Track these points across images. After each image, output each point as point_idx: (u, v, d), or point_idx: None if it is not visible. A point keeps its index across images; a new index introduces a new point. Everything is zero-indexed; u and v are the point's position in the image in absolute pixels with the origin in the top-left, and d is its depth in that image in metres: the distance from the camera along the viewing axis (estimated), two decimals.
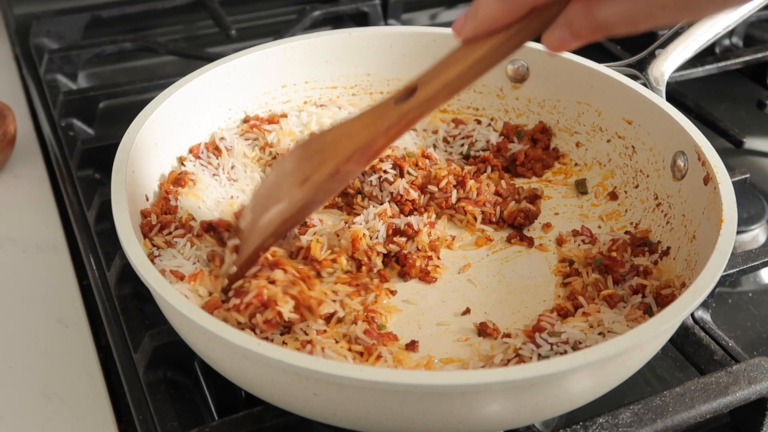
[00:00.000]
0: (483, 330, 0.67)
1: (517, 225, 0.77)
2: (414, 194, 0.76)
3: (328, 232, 0.71)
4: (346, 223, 0.73)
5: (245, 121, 0.83)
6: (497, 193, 0.78)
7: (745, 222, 0.82)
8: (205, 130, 0.80)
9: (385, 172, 0.77)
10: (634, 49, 0.85)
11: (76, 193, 0.82)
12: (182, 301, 0.55)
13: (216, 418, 0.63)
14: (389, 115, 0.59)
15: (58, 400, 0.65)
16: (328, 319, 0.63)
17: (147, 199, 0.71)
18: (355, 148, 0.60)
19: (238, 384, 0.59)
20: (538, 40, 0.86)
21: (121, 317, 0.68)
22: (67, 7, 1.09)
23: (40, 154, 0.93)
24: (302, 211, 0.63)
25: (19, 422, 0.64)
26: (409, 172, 0.77)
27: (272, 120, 0.83)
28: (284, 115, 0.84)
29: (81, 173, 0.84)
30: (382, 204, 0.76)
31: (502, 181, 0.80)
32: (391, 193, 0.76)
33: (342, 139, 0.62)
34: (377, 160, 0.78)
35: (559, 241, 0.76)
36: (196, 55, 1.01)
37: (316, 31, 0.87)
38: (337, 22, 1.13)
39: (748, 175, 0.81)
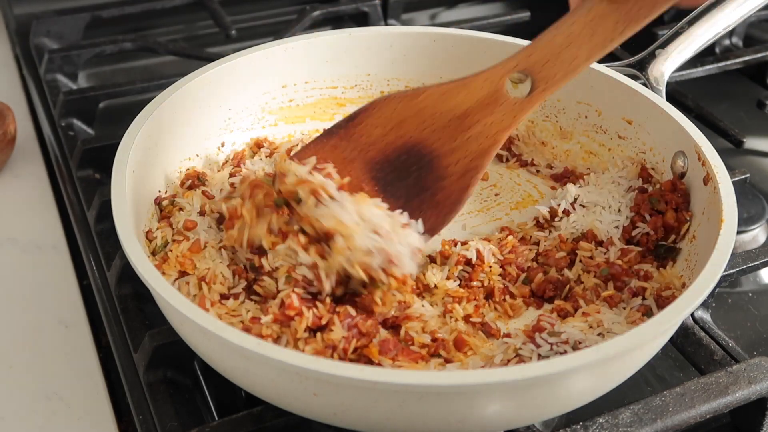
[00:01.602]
0: (485, 330, 0.66)
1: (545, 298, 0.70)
2: None
3: None
4: None
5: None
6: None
7: (745, 222, 0.82)
8: (205, 130, 0.80)
9: None
10: (634, 49, 0.85)
11: (76, 193, 0.82)
12: (182, 301, 0.55)
13: (216, 418, 0.62)
14: (503, 104, 0.61)
15: (58, 400, 0.65)
16: None
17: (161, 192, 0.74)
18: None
19: (238, 384, 0.59)
20: None
21: (121, 317, 0.68)
22: (67, 7, 1.09)
23: (40, 154, 0.93)
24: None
25: (19, 422, 0.64)
26: None
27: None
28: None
29: (81, 173, 0.84)
30: None
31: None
32: None
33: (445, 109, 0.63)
34: None
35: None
36: (196, 55, 1.01)
37: (316, 31, 0.87)
38: (337, 22, 1.13)
39: (748, 175, 0.81)
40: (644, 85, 0.79)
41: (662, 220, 0.71)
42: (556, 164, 0.83)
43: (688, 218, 0.70)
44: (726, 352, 0.66)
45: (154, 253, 0.69)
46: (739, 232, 0.79)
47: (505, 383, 0.50)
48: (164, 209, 0.73)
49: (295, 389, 0.53)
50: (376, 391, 0.51)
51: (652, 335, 0.54)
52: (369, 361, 0.59)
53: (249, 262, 0.66)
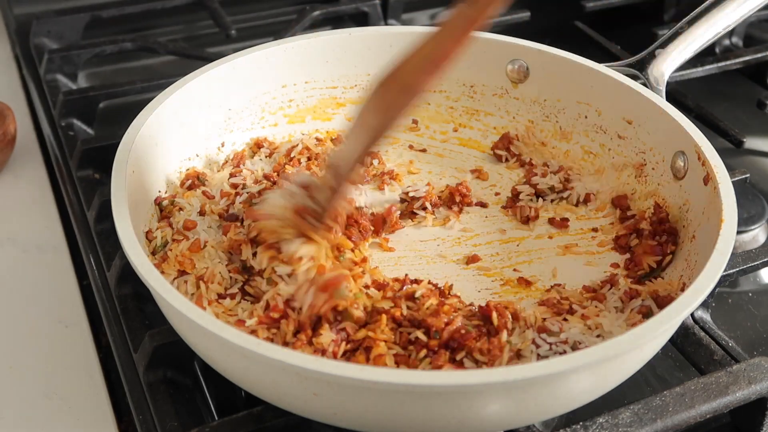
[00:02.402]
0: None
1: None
2: None
3: None
4: None
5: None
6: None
7: (745, 222, 0.82)
8: (205, 130, 0.80)
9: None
10: (634, 49, 0.85)
11: (76, 193, 0.82)
12: (182, 301, 0.55)
13: (216, 418, 0.62)
14: (455, 20, 0.61)
15: (58, 400, 0.65)
16: None
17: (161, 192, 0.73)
18: (422, 58, 0.60)
19: (238, 384, 0.59)
20: (539, 39, 0.86)
21: (121, 317, 0.68)
22: (67, 7, 1.08)
23: (40, 154, 0.93)
24: (377, 133, 0.62)
25: (19, 422, 0.64)
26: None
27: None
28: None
29: (81, 173, 0.84)
30: None
31: None
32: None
33: (411, 61, 0.61)
34: None
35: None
36: (196, 55, 1.01)
37: (316, 31, 0.87)
38: (337, 22, 1.13)
39: (748, 175, 0.81)
40: (644, 85, 0.79)
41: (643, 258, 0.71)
42: (555, 164, 0.83)
43: (670, 251, 0.70)
44: (726, 352, 0.66)
45: (154, 253, 0.69)
46: (739, 232, 0.78)
47: (505, 383, 0.50)
48: (164, 209, 0.73)
49: (295, 389, 0.53)
50: (376, 391, 0.51)
51: (652, 335, 0.54)
52: None
53: (242, 263, 0.66)
